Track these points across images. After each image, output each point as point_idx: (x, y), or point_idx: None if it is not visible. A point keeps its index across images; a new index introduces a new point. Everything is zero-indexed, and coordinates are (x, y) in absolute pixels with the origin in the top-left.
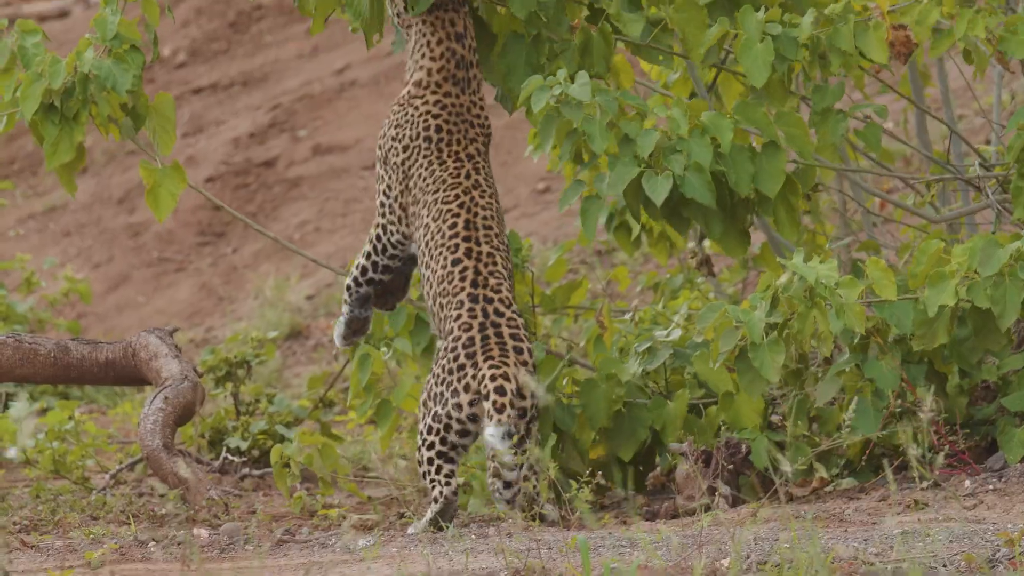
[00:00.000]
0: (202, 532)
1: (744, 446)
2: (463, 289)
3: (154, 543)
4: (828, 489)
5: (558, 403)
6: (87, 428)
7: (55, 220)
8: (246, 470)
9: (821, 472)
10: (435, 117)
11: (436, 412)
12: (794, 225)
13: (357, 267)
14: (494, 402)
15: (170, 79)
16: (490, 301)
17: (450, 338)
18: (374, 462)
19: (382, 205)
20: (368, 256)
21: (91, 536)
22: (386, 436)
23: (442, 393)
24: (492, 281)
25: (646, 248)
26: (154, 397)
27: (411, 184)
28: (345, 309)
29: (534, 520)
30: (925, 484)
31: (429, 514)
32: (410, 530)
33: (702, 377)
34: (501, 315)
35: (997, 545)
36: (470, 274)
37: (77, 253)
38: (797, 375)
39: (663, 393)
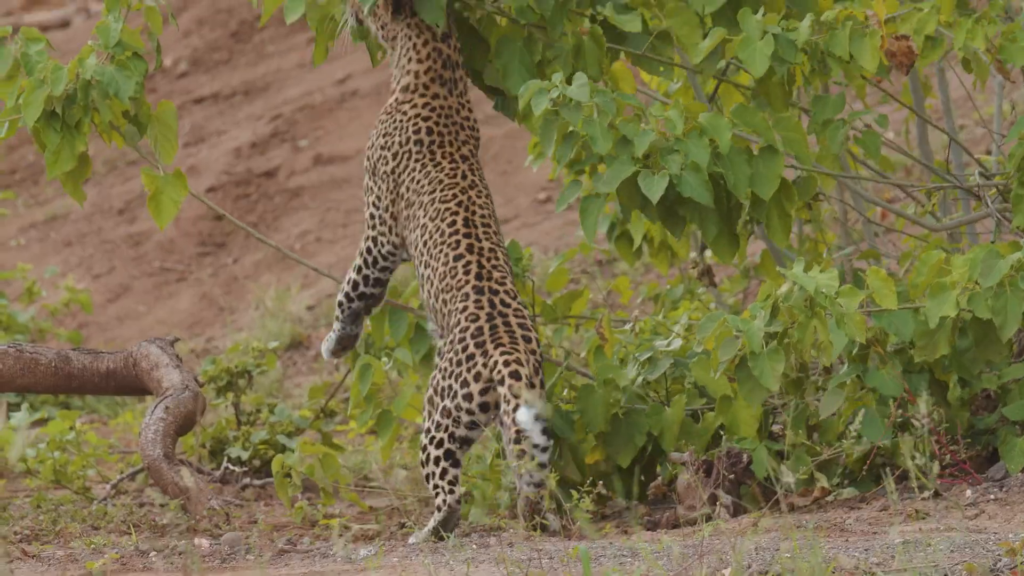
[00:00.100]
0: (203, 542)
1: (745, 456)
2: (468, 282)
3: (155, 553)
4: (829, 499)
5: (556, 410)
6: (88, 438)
7: (56, 230)
8: (247, 480)
9: (822, 482)
10: (425, 120)
11: (444, 407)
12: (786, 231)
13: (348, 282)
14: (510, 386)
15: (172, 89)
16: (495, 293)
17: (457, 330)
18: (375, 472)
19: (372, 217)
20: (359, 270)
21: (92, 546)
22: (387, 446)
23: (451, 386)
24: (496, 274)
25: (647, 258)
26: (155, 407)
27: (403, 190)
28: (337, 326)
29: (535, 530)
30: (926, 494)
31: (432, 523)
32: (411, 540)
33: (701, 383)
34: (507, 305)
35: (998, 555)
36: (474, 267)
37: (78, 263)
38: (798, 384)
39: (662, 402)
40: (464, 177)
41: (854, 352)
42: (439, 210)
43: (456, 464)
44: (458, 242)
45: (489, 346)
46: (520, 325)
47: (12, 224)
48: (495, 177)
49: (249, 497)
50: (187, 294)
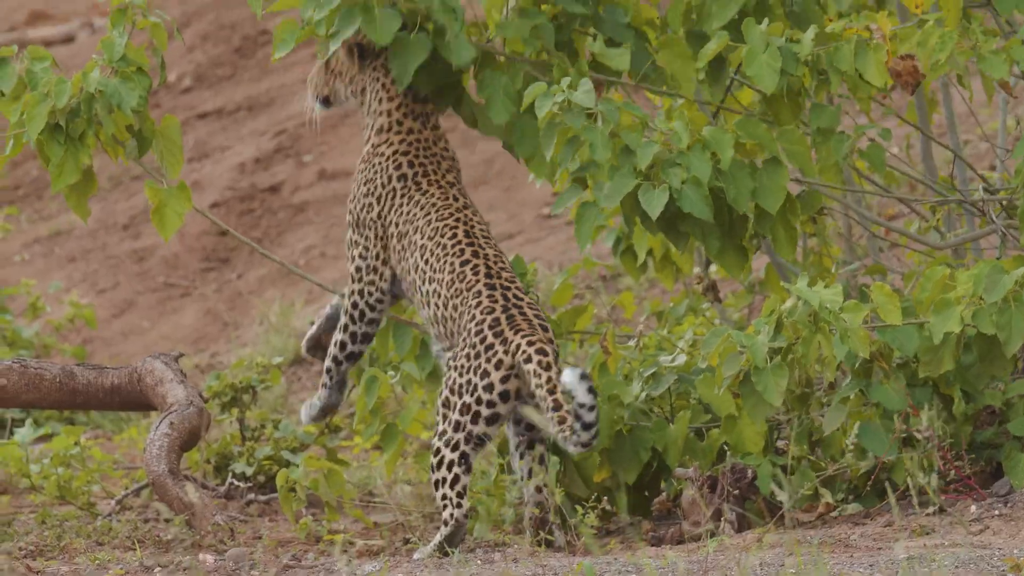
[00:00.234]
0: (208, 557)
1: (750, 471)
2: (478, 281)
3: (160, 569)
4: (834, 514)
5: None
6: (93, 453)
7: (60, 245)
8: (252, 495)
9: (827, 497)
10: (404, 154)
11: (463, 403)
12: (792, 244)
13: (336, 344)
14: (539, 362)
15: (175, 104)
16: (507, 288)
17: (472, 324)
18: (380, 487)
19: (357, 270)
20: (345, 328)
21: (97, 562)
22: (391, 461)
23: (469, 380)
24: (505, 275)
25: (652, 273)
26: (160, 422)
27: (392, 228)
28: (322, 393)
29: (540, 545)
30: (931, 509)
31: (438, 537)
32: (416, 555)
33: (705, 400)
34: (520, 299)
35: (1003, 570)
36: (482, 269)
37: (82, 278)
38: (802, 400)
39: (667, 417)
40: (456, 199)
41: (857, 366)
42: (437, 228)
43: (468, 470)
44: (462, 250)
45: (508, 333)
46: (536, 316)
47: (16, 239)
48: (498, 193)
49: (254, 513)
50: (191, 309)
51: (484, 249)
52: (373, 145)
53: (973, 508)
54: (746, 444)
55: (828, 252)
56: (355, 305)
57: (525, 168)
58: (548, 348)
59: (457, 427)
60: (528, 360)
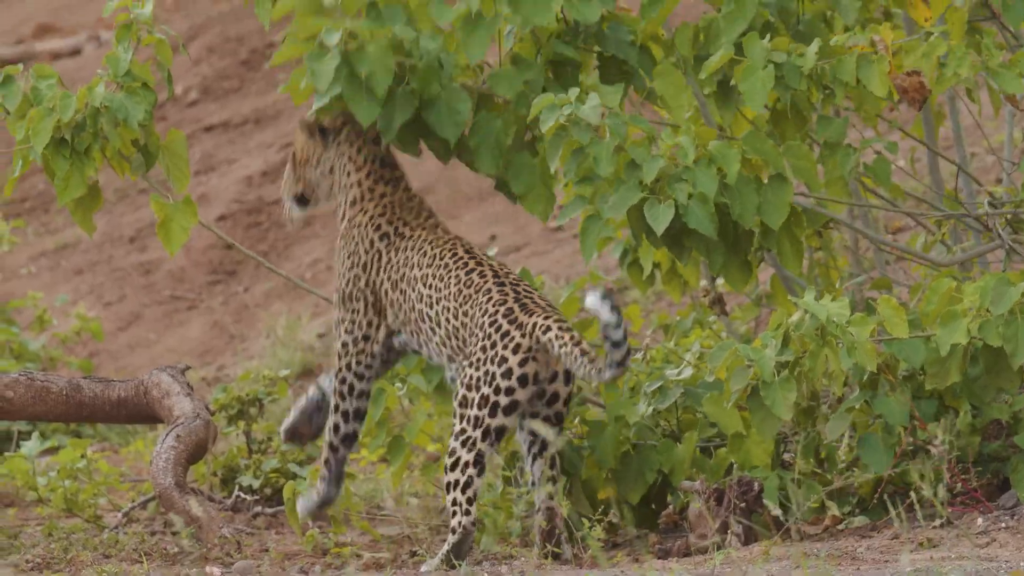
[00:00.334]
0: (215, 570)
1: (756, 484)
2: (486, 282)
3: None
4: (840, 527)
5: (568, 444)
6: (99, 466)
7: (66, 258)
8: (258, 508)
9: (833, 510)
10: (381, 216)
11: (482, 395)
12: (798, 258)
13: (329, 429)
14: (560, 326)
15: (182, 117)
16: (516, 285)
17: (486, 317)
18: (386, 500)
19: (344, 346)
20: (337, 409)
21: (104, 574)
22: (398, 472)
23: (487, 371)
24: (512, 276)
25: (659, 286)
26: (166, 435)
27: (384, 288)
28: (321, 487)
29: (547, 558)
30: (937, 522)
31: (446, 546)
32: (423, 568)
33: (712, 419)
34: (531, 294)
35: None
36: (489, 273)
37: (89, 291)
38: (809, 413)
39: (673, 432)
40: (447, 232)
41: (864, 379)
42: (436, 255)
43: (481, 472)
44: (466, 263)
45: (523, 317)
46: (549, 305)
47: (23, 252)
48: (505, 206)
49: (260, 525)
50: (198, 322)
51: (488, 260)
52: (349, 219)
53: (980, 521)
54: (754, 460)
55: (835, 265)
56: (343, 381)
57: None
58: (565, 322)
59: (476, 423)
60: (547, 330)
